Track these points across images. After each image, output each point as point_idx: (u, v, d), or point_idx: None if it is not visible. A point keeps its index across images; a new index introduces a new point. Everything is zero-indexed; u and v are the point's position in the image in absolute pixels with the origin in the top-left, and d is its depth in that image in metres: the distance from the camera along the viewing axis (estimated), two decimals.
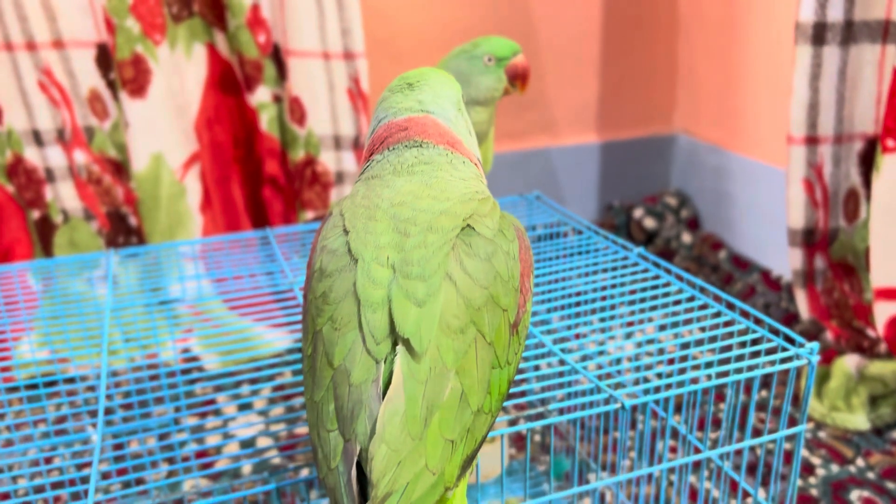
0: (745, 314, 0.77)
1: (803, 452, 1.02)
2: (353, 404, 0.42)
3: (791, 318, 1.33)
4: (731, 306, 0.69)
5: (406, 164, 0.52)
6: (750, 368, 0.67)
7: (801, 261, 1.19)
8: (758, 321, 0.73)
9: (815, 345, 0.60)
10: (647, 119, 1.74)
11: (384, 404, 0.41)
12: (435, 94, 0.55)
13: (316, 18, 1.25)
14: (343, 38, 1.27)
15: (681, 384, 0.90)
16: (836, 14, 1.07)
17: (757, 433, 1.06)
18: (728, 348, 0.87)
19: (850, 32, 1.09)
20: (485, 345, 0.45)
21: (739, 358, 0.64)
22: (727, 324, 0.68)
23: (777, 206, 1.45)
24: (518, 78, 0.86)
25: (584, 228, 0.90)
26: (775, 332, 0.68)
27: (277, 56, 1.31)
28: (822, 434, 1.06)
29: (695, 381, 0.63)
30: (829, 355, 1.14)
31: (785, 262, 1.43)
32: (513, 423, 0.95)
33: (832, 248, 1.19)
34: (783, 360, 0.60)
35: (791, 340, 0.62)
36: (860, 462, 1.00)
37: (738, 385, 0.69)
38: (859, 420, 1.06)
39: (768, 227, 1.48)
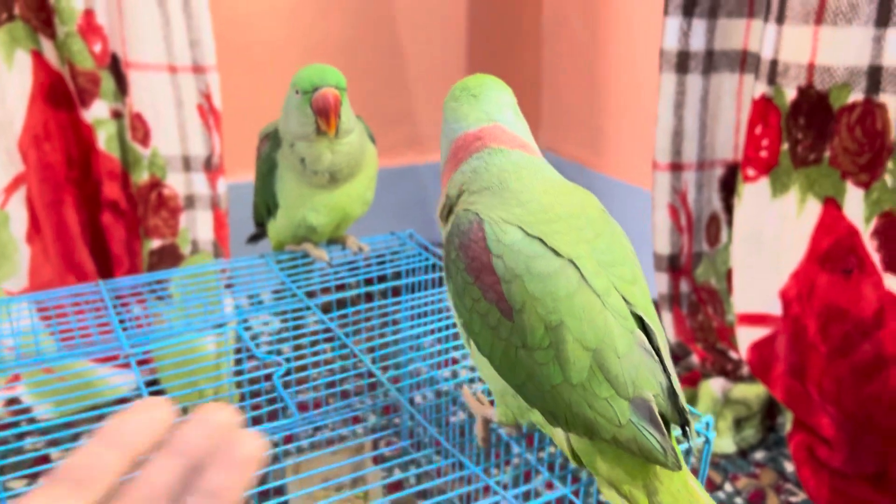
0: None
1: None
2: (629, 369, 0.49)
3: None
4: None
5: (513, 169, 0.56)
6: None
7: (666, 285, 1.21)
8: None
9: (709, 418, 0.59)
10: None
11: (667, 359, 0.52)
12: (498, 104, 0.60)
13: (160, 28, 1.13)
14: (192, 49, 1.16)
15: None
16: (698, 43, 1.08)
17: None
18: None
19: (711, 61, 1.10)
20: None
21: None
22: None
23: (639, 226, 1.47)
24: (319, 114, 0.76)
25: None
26: None
27: (116, 68, 1.18)
28: (690, 458, 1.07)
29: None
30: (694, 377, 1.16)
31: (647, 282, 1.46)
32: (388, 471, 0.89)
33: (696, 272, 1.21)
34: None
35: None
36: (728, 487, 1.02)
37: None
38: (726, 443, 1.08)
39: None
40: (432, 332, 0.76)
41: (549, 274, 0.50)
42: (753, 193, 1.04)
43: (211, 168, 1.21)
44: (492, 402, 0.65)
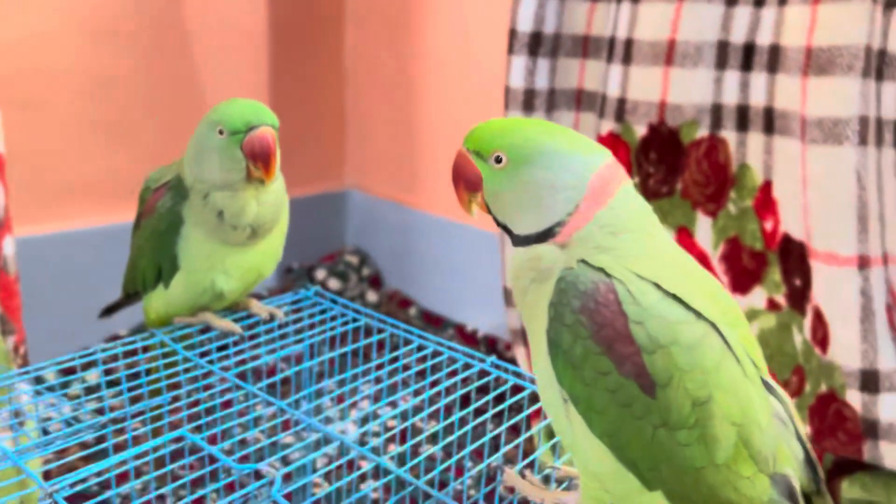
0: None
1: None
2: (770, 442, 0.47)
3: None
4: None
5: (642, 213, 0.49)
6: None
7: (518, 320, 1.21)
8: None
9: None
10: (319, 175, 1.64)
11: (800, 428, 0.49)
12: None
13: None
14: None
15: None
16: (542, 82, 1.11)
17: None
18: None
19: (553, 99, 1.13)
20: None
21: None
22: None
23: (466, 260, 1.47)
24: (255, 159, 0.65)
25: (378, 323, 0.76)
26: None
27: None
28: None
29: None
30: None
31: (477, 315, 1.45)
32: None
33: None
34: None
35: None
36: None
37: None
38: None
39: (458, 282, 1.49)
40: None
41: (695, 342, 0.45)
42: None
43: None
44: (543, 480, 0.59)
